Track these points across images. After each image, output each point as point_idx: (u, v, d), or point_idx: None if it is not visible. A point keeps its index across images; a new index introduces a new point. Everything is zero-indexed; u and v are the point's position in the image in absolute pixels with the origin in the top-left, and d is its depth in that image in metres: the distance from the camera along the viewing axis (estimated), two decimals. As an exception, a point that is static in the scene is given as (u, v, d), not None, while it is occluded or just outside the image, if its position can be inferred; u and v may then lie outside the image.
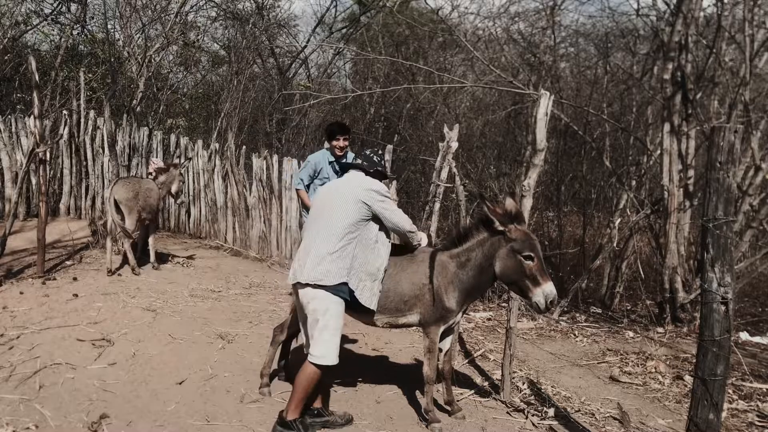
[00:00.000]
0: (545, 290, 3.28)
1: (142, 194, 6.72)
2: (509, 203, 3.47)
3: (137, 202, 6.64)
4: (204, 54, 15.01)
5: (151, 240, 7.14)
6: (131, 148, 9.53)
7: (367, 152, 3.73)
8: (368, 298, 3.45)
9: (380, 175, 3.64)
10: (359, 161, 3.67)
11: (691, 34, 6.81)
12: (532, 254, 3.30)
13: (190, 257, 7.82)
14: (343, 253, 3.31)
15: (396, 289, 3.63)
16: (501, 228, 3.41)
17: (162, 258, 7.49)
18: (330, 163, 5.34)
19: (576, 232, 10.71)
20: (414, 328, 5.70)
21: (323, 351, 3.24)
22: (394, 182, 7.19)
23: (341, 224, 3.34)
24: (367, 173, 3.61)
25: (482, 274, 3.53)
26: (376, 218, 3.46)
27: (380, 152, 3.77)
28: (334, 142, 5.22)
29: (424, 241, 3.80)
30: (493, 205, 3.44)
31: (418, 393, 4.21)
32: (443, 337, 3.76)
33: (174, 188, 7.38)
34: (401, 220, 3.51)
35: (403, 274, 3.66)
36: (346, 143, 5.28)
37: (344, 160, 5.13)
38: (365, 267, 3.42)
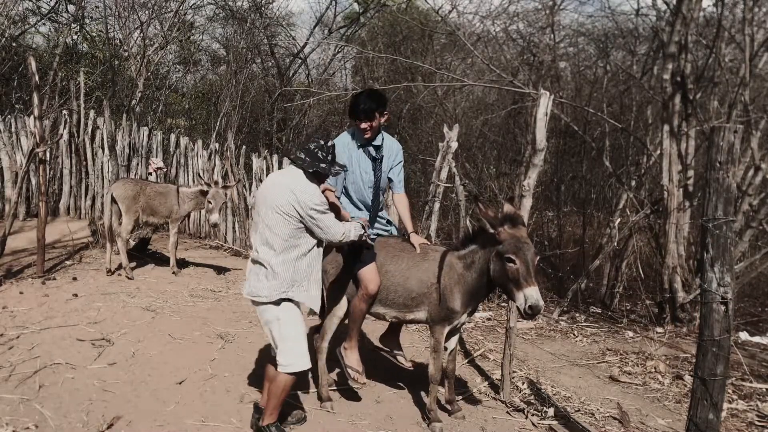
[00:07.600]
0: (526, 294, 3.16)
1: (145, 196, 6.64)
2: (507, 207, 3.43)
3: (136, 202, 6.59)
4: (203, 53, 15.01)
5: (171, 240, 6.90)
6: (131, 148, 9.52)
7: (312, 146, 3.27)
8: (305, 298, 3.31)
9: (321, 176, 3.34)
10: (302, 156, 3.27)
11: (691, 34, 6.81)
12: (514, 257, 3.22)
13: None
14: (284, 266, 3.20)
15: (405, 285, 3.66)
16: (491, 230, 3.38)
17: (164, 260, 7.47)
18: (360, 147, 3.87)
19: (576, 232, 10.72)
20: (414, 327, 5.72)
21: (289, 360, 3.23)
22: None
23: (281, 234, 3.19)
24: (307, 173, 3.27)
25: (484, 276, 3.50)
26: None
27: (328, 144, 3.29)
28: (357, 122, 3.80)
29: (354, 232, 3.39)
30: (485, 207, 3.39)
31: (417, 393, 4.21)
32: (449, 337, 3.76)
33: (210, 207, 6.71)
34: (335, 234, 3.27)
35: (413, 270, 3.67)
36: (371, 124, 3.77)
37: (376, 144, 3.91)
38: (310, 276, 3.30)
